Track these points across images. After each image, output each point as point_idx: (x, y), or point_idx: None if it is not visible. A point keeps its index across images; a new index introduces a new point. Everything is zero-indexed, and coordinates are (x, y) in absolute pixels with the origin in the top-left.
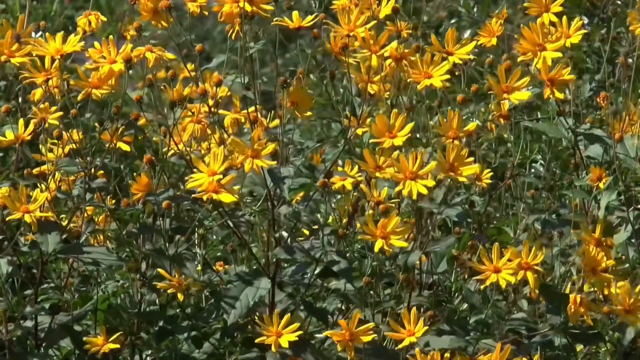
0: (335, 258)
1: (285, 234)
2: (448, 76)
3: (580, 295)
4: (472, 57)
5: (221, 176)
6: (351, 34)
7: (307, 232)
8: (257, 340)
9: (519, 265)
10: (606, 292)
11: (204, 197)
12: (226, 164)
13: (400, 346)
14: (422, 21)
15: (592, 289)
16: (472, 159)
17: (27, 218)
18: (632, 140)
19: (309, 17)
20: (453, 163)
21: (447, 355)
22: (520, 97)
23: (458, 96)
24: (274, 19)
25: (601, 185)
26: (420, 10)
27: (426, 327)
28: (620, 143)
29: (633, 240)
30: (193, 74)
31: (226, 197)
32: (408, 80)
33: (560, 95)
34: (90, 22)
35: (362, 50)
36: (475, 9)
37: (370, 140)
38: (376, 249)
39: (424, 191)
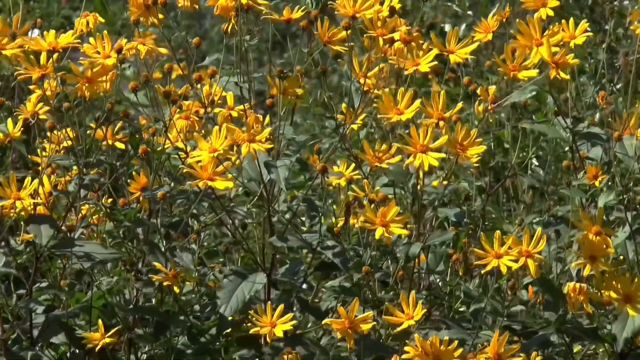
0: (330, 243)
1: None
2: (435, 62)
3: (579, 283)
4: (472, 57)
5: (222, 151)
6: (357, 15)
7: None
8: (251, 331)
9: (520, 252)
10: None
11: (200, 185)
12: (228, 141)
13: (398, 329)
14: (419, 19)
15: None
16: (480, 139)
17: (18, 205)
18: (631, 140)
19: (299, 12)
20: (462, 141)
21: (446, 338)
22: (528, 75)
23: (465, 78)
24: (264, 13)
25: (597, 183)
26: (418, 9)
27: (424, 310)
28: (619, 143)
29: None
30: (186, 72)
31: (221, 184)
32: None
33: (565, 76)
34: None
35: (369, 32)
36: (470, 12)
37: (378, 116)
38: (377, 236)
39: (435, 163)
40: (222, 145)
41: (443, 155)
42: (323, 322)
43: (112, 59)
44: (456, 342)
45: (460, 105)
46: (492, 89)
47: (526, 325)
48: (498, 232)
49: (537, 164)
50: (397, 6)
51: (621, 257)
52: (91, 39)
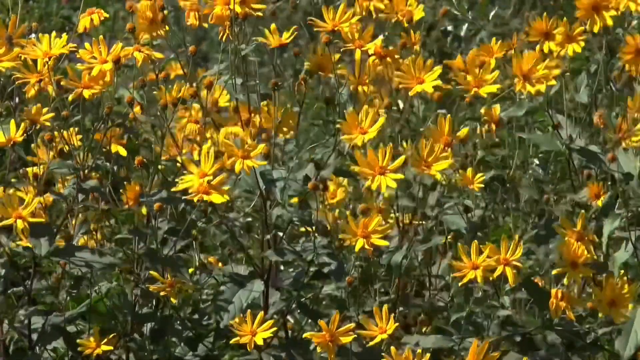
0: (326, 260)
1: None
2: (439, 82)
3: (561, 289)
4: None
5: (211, 177)
6: (336, 29)
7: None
8: (232, 341)
9: (498, 261)
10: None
11: (195, 199)
12: (217, 166)
13: (372, 343)
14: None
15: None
16: (446, 154)
17: (19, 224)
18: (630, 159)
19: (287, 34)
20: (427, 158)
21: (419, 351)
22: (490, 90)
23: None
24: (254, 39)
25: (599, 202)
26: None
27: (397, 324)
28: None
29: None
30: (187, 71)
31: (217, 198)
32: (400, 86)
33: (532, 90)
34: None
35: (346, 45)
36: (470, 13)
37: (341, 137)
38: (357, 248)
39: (393, 185)
40: (212, 170)
41: (402, 176)
42: (304, 335)
43: (109, 64)
44: (428, 355)
45: (466, 130)
46: (497, 108)
47: (516, 326)
48: (475, 242)
49: (537, 162)
50: (420, 14)
51: (621, 272)
52: (87, 44)
